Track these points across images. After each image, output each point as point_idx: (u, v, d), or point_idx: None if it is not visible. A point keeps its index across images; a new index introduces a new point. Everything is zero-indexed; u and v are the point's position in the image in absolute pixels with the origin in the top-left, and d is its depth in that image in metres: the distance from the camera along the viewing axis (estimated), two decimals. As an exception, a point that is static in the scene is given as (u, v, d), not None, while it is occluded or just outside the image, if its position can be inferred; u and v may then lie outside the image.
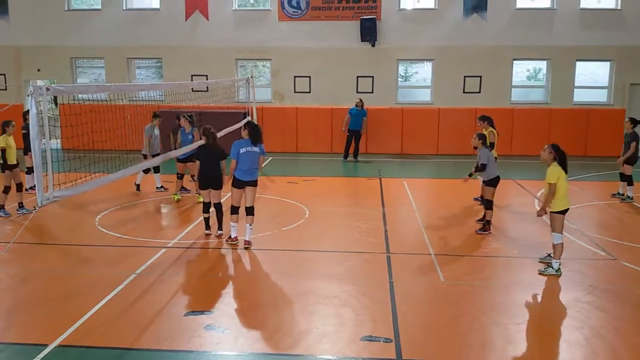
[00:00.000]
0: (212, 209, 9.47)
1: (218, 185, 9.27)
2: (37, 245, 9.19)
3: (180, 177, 12.17)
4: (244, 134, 8.81)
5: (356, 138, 17.59)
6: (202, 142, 9.59)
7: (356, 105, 17.57)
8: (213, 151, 9.21)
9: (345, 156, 17.66)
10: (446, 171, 16.59)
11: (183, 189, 12.51)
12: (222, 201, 9.49)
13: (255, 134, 8.77)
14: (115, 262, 8.32)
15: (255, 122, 9.15)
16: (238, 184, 8.79)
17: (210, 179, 9.21)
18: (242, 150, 8.65)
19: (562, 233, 7.81)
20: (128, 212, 11.25)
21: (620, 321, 6.36)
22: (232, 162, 8.69)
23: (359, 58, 19.45)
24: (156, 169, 12.71)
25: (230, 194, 9.06)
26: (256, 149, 8.76)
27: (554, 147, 7.81)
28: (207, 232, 9.46)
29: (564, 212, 7.75)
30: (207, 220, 9.47)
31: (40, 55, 20.21)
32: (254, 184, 8.91)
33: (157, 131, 12.54)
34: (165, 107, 14.68)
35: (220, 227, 9.41)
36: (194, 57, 19.76)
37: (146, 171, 12.19)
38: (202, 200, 12.06)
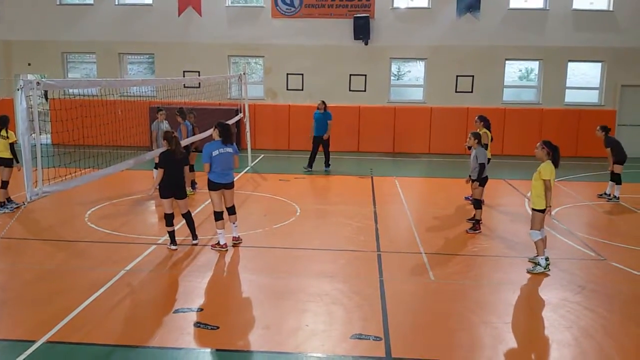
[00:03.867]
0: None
1: (182, 194, 8.67)
2: (26, 240, 9.12)
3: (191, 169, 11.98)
4: (215, 134, 8.52)
5: (323, 144, 15.59)
6: (198, 138, 9.41)
7: (318, 108, 15.50)
8: (176, 157, 8.52)
9: (309, 164, 15.58)
10: (438, 170, 16.63)
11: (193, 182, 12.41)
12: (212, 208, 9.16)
13: (226, 134, 8.47)
14: (105, 258, 8.27)
15: (226, 122, 8.78)
16: (214, 186, 8.53)
17: (173, 187, 8.50)
18: (214, 153, 8.36)
19: (539, 230, 7.84)
20: (118, 208, 11.19)
21: (609, 321, 6.39)
22: (206, 166, 8.41)
23: (352, 56, 19.45)
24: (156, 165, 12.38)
25: (209, 200, 8.83)
26: (229, 149, 8.50)
27: (547, 143, 7.85)
28: (172, 247, 8.56)
29: (544, 210, 7.79)
30: (172, 234, 8.60)
31: (31, 50, 20.08)
32: (230, 186, 8.70)
33: (164, 125, 12.02)
34: (157, 103, 14.62)
35: (194, 237, 8.87)
36: (187, 53, 19.68)
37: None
38: (193, 193, 12.08)
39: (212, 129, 8.76)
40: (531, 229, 7.90)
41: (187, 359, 5.46)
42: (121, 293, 6.95)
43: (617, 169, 12.31)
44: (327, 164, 15.76)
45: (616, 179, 12.33)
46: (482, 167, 9.79)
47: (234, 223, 8.92)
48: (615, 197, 12.33)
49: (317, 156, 15.65)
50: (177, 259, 8.28)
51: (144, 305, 6.70)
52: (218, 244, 8.66)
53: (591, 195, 12.92)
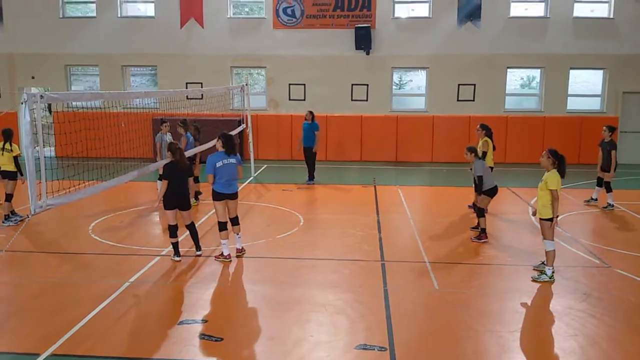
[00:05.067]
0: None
1: (187, 206, 8.68)
2: (30, 253, 9.14)
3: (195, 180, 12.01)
4: (218, 145, 8.57)
5: (309, 156, 15.14)
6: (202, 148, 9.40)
7: (305, 119, 15.01)
8: (180, 168, 8.52)
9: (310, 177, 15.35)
10: (440, 179, 16.62)
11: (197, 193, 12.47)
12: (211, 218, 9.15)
13: (229, 145, 8.52)
14: (109, 270, 8.28)
15: (229, 133, 8.84)
16: (218, 196, 8.54)
17: (177, 199, 8.51)
18: (218, 164, 8.40)
19: (553, 240, 7.83)
20: (122, 219, 11.20)
21: (614, 329, 6.37)
22: (209, 177, 8.44)
23: (353, 66, 19.51)
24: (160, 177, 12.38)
25: (213, 210, 8.87)
26: (232, 160, 8.54)
27: (552, 152, 7.83)
28: (176, 258, 8.56)
29: (552, 219, 7.77)
30: (175, 245, 8.59)
31: (35, 63, 20.19)
32: (234, 196, 8.71)
33: (167, 137, 11.91)
34: (160, 115, 14.67)
35: (198, 248, 8.89)
36: (189, 64, 19.78)
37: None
38: (197, 204, 12.11)
39: (215, 140, 8.80)
40: (544, 239, 7.87)
41: (192, 370, 5.46)
42: (126, 305, 6.95)
43: (608, 176, 12.26)
44: (311, 177, 15.27)
45: (608, 186, 12.30)
46: (480, 179, 9.74)
47: (237, 234, 8.92)
48: (610, 204, 12.27)
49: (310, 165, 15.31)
50: (181, 270, 8.28)
51: (148, 317, 6.70)
52: (222, 254, 8.66)
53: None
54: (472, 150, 9.90)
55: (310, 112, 15.16)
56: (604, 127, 12.55)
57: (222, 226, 8.65)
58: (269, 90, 20.14)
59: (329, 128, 19.18)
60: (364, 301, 7.09)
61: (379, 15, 19.25)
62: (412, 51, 19.39)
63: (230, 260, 8.61)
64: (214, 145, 8.86)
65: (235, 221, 8.88)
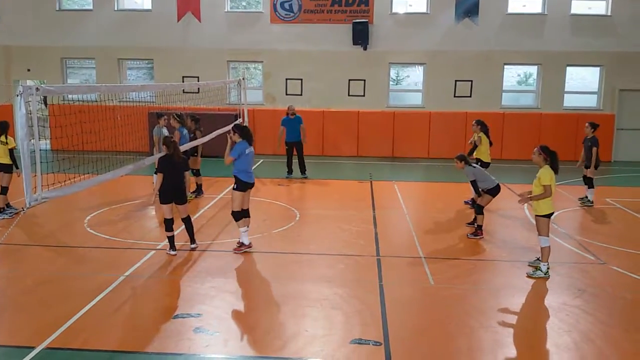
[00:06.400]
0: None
1: (183, 199, 8.64)
2: (25, 246, 9.10)
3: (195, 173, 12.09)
4: (236, 137, 8.66)
5: (297, 150, 15.03)
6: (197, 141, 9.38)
7: (287, 114, 14.97)
8: (175, 162, 8.47)
9: (289, 172, 15.21)
10: (437, 174, 16.63)
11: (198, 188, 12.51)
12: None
13: (248, 135, 8.70)
14: (104, 264, 8.27)
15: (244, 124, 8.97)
16: (244, 186, 8.64)
17: (173, 192, 8.47)
18: (247, 151, 8.58)
19: (548, 236, 7.86)
20: (117, 213, 11.18)
21: (608, 325, 6.39)
22: (229, 159, 8.57)
23: (350, 61, 19.48)
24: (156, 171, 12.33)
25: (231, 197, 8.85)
26: (252, 149, 8.77)
27: (544, 148, 7.86)
28: (171, 252, 8.54)
29: (549, 215, 7.80)
30: (171, 239, 8.57)
31: (31, 55, 20.10)
32: (253, 186, 8.91)
33: (164, 131, 11.79)
34: (156, 108, 14.63)
35: (193, 241, 8.85)
36: (186, 58, 19.72)
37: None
38: (192, 198, 12.09)
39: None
40: (539, 235, 7.89)
41: (187, 364, 5.45)
42: (121, 299, 6.94)
43: (593, 172, 12.28)
44: (304, 171, 15.21)
45: (590, 182, 12.33)
46: (473, 183, 9.75)
47: (247, 227, 8.93)
48: (588, 200, 12.29)
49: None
50: (177, 264, 8.27)
51: (143, 311, 6.69)
52: (242, 244, 8.73)
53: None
54: (462, 158, 9.82)
55: (292, 107, 15.16)
56: (587, 124, 12.57)
57: (238, 215, 8.67)
58: (266, 84, 20.09)
59: (326, 123, 19.19)
60: (359, 296, 7.10)
61: (377, 10, 19.22)
62: (410, 47, 19.38)
63: (251, 247, 8.74)
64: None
65: (247, 213, 8.92)
